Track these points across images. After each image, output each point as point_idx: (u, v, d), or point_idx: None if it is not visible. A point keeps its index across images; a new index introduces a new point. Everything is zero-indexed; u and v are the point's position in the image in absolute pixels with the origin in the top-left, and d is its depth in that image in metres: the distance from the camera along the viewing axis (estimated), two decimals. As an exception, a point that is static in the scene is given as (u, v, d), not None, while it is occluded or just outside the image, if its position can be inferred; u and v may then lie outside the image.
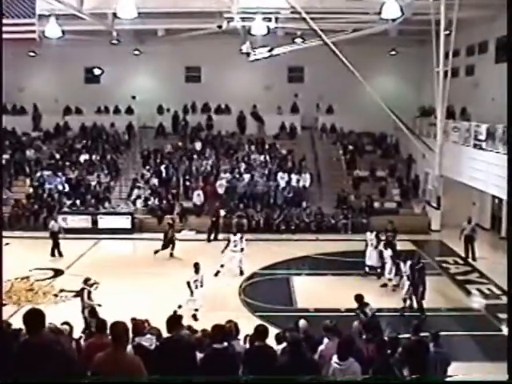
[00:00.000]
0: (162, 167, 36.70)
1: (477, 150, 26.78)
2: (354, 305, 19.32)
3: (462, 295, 23.14)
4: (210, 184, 35.47)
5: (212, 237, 31.22)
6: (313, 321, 12.07)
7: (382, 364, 9.96)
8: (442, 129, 30.27)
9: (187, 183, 36.00)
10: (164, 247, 27.37)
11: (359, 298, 16.02)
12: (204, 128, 41.96)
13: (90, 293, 18.05)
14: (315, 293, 22.67)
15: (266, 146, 39.95)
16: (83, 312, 17.65)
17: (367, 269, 24.50)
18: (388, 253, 23.33)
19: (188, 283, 19.70)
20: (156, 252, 27.18)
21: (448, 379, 11.02)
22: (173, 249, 27.39)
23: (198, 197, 34.34)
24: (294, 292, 22.81)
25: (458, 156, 29.00)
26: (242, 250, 24.73)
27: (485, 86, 32.71)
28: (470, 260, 27.28)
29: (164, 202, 34.30)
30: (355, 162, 38.32)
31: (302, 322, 11.67)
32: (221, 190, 35.23)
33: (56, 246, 27.40)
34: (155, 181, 35.91)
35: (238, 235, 25.27)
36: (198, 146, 39.70)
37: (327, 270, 25.60)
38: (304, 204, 34.50)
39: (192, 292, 19.73)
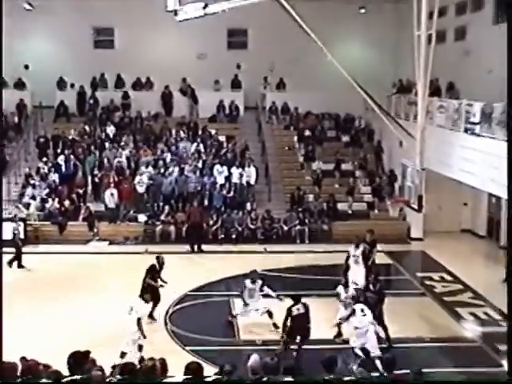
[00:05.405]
0: (61, 159, 36.03)
1: (469, 136, 26.86)
2: (314, 335, 19.38)
3: (452, 321, 23.25)
4: (126, 181, 35.09)
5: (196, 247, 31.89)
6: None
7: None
8: (425, 109, 30.33)
9: (97, 180, 35.61)
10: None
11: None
12: (119, 108, 41.59)
13: None
14: (263, 320, 22.39)
15: (199, 132, 39.82)
16: None
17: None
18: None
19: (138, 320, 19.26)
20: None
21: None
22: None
23: (111, 197, 33.98)
24: (236, 319, 22.51)
25: (444, 143, 29.11)
26: None
27: (479, 53, 33.07)
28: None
29: (67, 204, 33.80)
30: (314, 152, 38.47)
31: (252, 359, 11.41)
32: (141, 189, 34.88)
33: None
34: (55, 177, 35.34)
35: None
36: (111, 131, 39.31)
37: (278, 291, 25.43)
38: (248, 206, 34.48)
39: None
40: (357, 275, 23.28)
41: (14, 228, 29.55)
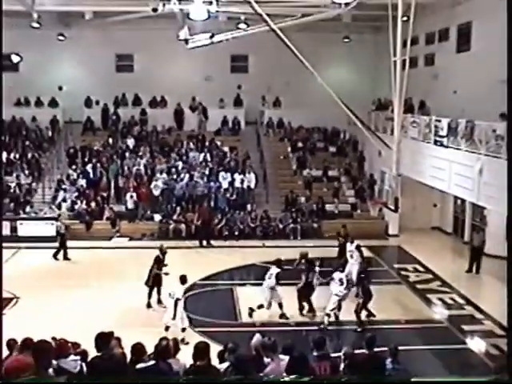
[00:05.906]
0: (89, 167, 36.13)
1: (437, 147, 27.00)
2: (305, 318, 19.45)
3: (423, 305, 23.36)
4: (144, 185, 35.12)
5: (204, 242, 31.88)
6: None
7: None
8: (400, 124, 30.41)
9: (119, 184, 35.69)
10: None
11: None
12: (137, 123, 41.57)
13: None
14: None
15: (207, 143, 39.84)
16: None
17: None
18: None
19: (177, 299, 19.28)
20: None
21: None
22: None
23: (130, 199, 34.06)
24: (238, 305, 22.67)
25: (417, 153, 29.21)
26: None
27: (445, 77, 33.16)
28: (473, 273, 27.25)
29: (93, 205, 33.87)
30: (305, 161, 38.57)
31: (255, 338, 11.40)
32: (156, 192, 34.89)
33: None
34: (83, 182, 35.40)
35: None
36: (131, 142, 39.29)
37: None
38: (248, 207, 34.52)
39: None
40: (351, 268, 23.29)
41: (58, 226, 29.95)
